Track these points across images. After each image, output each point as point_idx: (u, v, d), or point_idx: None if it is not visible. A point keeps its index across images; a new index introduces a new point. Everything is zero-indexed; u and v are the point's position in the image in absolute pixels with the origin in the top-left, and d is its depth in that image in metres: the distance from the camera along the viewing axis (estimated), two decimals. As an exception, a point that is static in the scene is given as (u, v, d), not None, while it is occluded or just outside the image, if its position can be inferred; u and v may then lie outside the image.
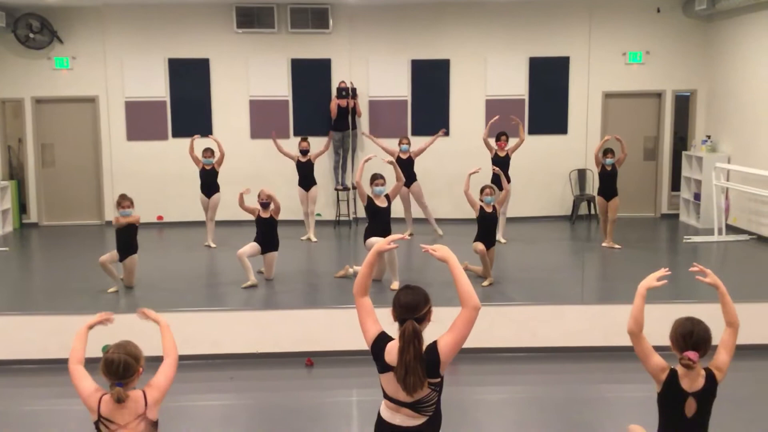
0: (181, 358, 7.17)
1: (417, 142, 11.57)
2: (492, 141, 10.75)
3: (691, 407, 3.61)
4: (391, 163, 8.59)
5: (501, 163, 10.66)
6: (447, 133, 11.11)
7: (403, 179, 8.79)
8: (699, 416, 3.64)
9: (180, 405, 5.78)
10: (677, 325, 3.69)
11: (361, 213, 10.33)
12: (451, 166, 12.34)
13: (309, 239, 10.93)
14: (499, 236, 10.34)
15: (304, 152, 10.98)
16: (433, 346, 3.46)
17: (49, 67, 12.23)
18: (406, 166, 10.86)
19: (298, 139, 11.35)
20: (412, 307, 3.47)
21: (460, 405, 5.97)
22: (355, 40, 12.33)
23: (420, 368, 3.37)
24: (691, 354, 3.59)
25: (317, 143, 12.08)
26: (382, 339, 3.54)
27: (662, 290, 8.66)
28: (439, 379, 3.45)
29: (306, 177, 11.02)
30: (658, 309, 7.09)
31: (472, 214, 8.56)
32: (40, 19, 11.95)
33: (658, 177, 12.89)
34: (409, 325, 3.42)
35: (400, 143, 10.95)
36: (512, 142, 10.85)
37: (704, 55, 12.43)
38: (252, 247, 8.43)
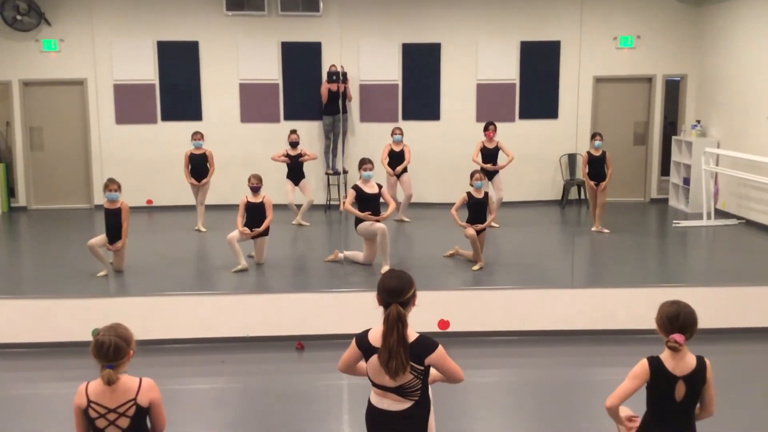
0: (172, 341, 7.25)
1: (408, 128, 11.56)
2: (479, 158, 10.71)
3: (680, 391, 3.63)
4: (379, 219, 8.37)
5: (489, 154, 10.67)
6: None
7: (395, 207, 8.75)
8: (687, 400, 3.66)
9: (170, 389, 5.78)
10: (663, 309, 3.71)
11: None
12: (442, 151, 12.36)
13: (300, 224, 10.91)
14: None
15: (294, 144, 10.93)
16: (429, 351, 3.49)
17: (37, 49, 12.12)
18: (397, 158, 10.90)
19: (288, 129, 11.31)
20: (396, 292, 3.48)
21: (449, 388, 5.99)
22: (346, 23, 12.26)
23: (403, 352, 3.40)
24: (678, 336, 3.62)
25: (308, 127, 12.07)
26: (364, 332, 3.61)
27: (649, 274, 8.75)
28: (422, 368, 3.48)
29: (295, 170, 10.97)
30: (645, 293, 7.17)
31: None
32: (28, 1, 11.82)
33: (647, 162, 12.93)
34: (393, 309, 3.44)
35: (392, 133, 10.93)
36: (501, 132, 10.86)
37: (695, 40, 12.44)
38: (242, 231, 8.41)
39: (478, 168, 9.51)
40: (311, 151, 11.46)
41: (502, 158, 10.75)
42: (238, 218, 8.43)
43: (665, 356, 3.67)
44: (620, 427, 3.96)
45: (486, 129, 10.72)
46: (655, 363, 3.66)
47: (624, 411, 3.89)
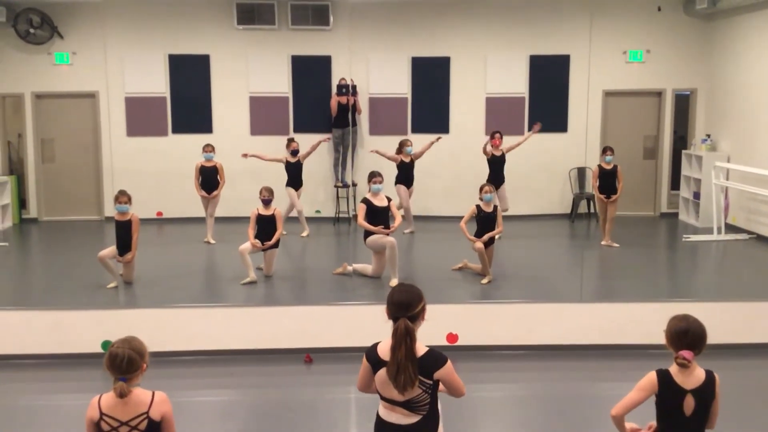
0: (180, 353, 7.26)
1: (417, 140, 11.58)
2: (489, 146, 10.74)
3: (689, 405, 3.62)
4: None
5: (496, 162, 10.68)
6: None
7: (401, 221, 8.80)
8: (697, 415, 3.64)
9: (179, 401, 5.78)
10: (673, 324, 3.71)
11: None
12: (451, 164, 12.37)
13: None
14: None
15: (295, 153, 10.99)
16: (438, 365, 3.48)
17: (50, 62, 12.23)
18: (408, 169, 10.97)
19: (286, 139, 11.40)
20: (405, 306, 3.48)
21: (457, 402, 5.98)
22: (356, 37, 12.33)
23: (411, 366, 3.40)
24: (686, 353, 3.61)
25: (317, 140, 12.11)
26: (373, 346, 3.61)
27: (659, 289, 8.70)
28: (431, 382, 3.47)
29: (296, 177, 11.05)
30: (654, 308, 7.14)
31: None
32: (41, 15, 11.94)
33: (657, 176, 12.90)
34: (401, 324, 3.43)
35: (403, 146, 10.95)
36: (509, 140, 10.86)
37: (704, 54, 12.43)
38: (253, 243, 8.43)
39: (487, 181, 9.53)
40: (307, 152, 11.27)
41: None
42: (250, 230, 8.45)
43: (674, 370, 3.66)
44: None
45: (492, 137, 10.76)
46: (663, 376, 3.66)
47: (629, 425, 3.88)
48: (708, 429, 3.74)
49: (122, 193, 8.18)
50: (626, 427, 3.83)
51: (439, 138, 11.23)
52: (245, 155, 10.93)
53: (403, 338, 3.41)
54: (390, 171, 10.72)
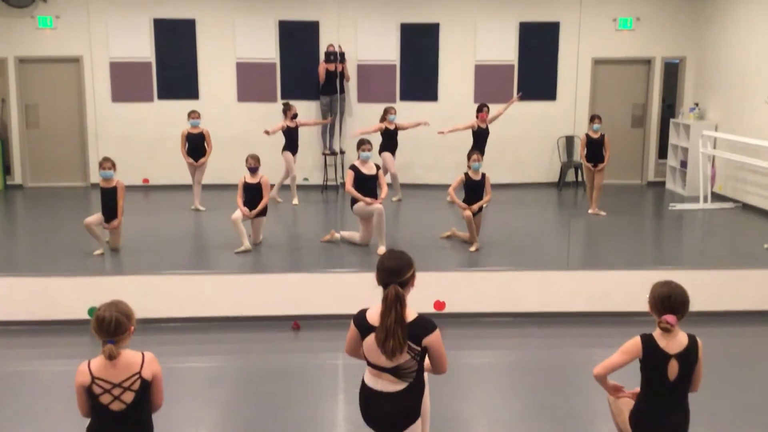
0: (168, 320, 7.26)
1: (406, 108, 11.51)
2: (477, 123, 10.68)
3: (673, 370, 3.67)
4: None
5: (481, 135, 10.65)
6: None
7: (387, 191, 8.72)
8: (681, 379, 3.70)
9: (167, 367, 5.79)
10: (655, 289, 3.77)
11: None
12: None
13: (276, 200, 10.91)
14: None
15: (295, 116, 10.91)
16: (428, 331, 3.49)
17: (33, 26, 12.02)
18: (393, 136, 10.93)
19: (283, 103, 11.27)
20: (395, 272, 3.49)
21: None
22: (344, 1, 12.18)
23: (400, 332, 3.41)
24: (670, 318, 3.67)
25: (305, 107, 12.01)
26: (361, 312, 3.62)
27: (645, 256, 8.76)
28: (420, 348, 3.48)
29: (294, 142, 10.96)
30: (640, 275, 7.19)
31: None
32: (23, -23, 11.73)
33: (645, 144, 12.92)
34: (392, 290, 3.44)
35: (387, 113, 10.91)
36: (496, 109, 10.83)
37: (694, 23, 12.39)
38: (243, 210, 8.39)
39: (474, 148, 9.51)
40: (308, 123, 11.42)
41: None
42: (239, 198, 8.41)
43: (657, 334, 3.73)
44: (610, 398, 4.02)
45: (480, 110, 10.71)
46: (647, 340, 3.72)
47: (611, 382, 3.94)
48: (691, 392, 3.80)
49: (106, 159, 8.14)
50: (609, 384, 3.90)
51: (427, 123, 11.17)
52: (267, 132, 10.61)
53: (394, 304, 3.42)
54: (374, 141, 10.69)
